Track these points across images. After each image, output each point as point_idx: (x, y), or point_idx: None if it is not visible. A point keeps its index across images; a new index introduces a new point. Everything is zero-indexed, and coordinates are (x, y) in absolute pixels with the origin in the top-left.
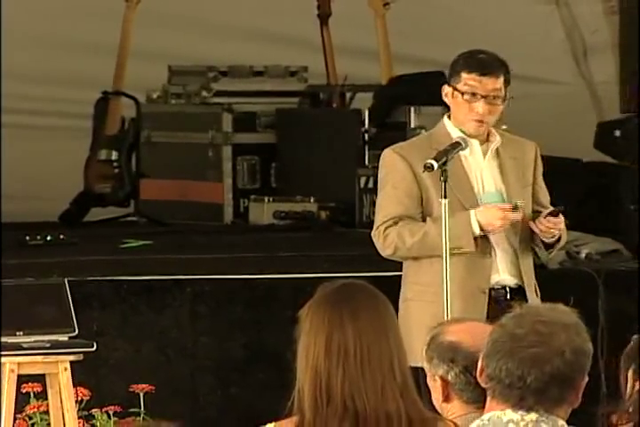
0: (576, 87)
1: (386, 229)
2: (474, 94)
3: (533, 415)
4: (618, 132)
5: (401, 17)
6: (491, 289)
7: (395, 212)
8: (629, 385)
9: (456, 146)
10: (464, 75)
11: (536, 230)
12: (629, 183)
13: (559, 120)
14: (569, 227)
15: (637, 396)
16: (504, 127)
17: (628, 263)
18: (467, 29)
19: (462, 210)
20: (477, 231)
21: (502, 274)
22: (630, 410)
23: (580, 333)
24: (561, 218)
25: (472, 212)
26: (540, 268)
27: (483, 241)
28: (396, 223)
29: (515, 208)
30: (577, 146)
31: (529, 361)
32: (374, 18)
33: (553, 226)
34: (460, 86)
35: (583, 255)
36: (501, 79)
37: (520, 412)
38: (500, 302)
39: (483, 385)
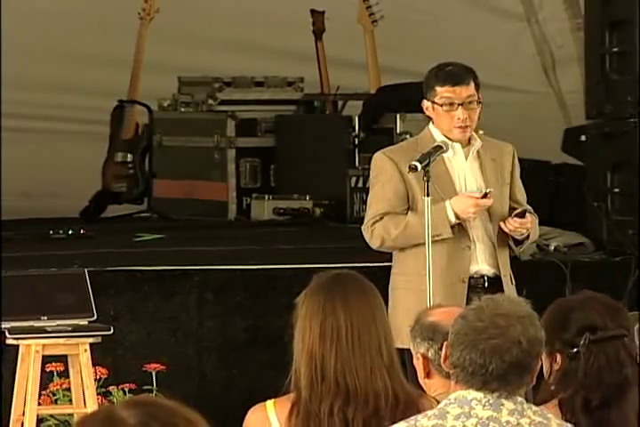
0: (546, 96)
1: (373, 223)
2: (451, 104)
3: (495, 394)
4: (583, 137)
5: (388, 33)
6: (470, 278)
7: (382, 208)
8: (546, 365)
9: (438, 149)
10: (438, 88)
11: (506, 230)
12: (593, 183)
13: (530, 126)
14: (539, 222)
15: (557, 375)
16: (481, 132)
17: (591, 255)
18: (447, 45)
19: (444, 200)
20: (453, 219)
21: (481, 264)
22: (552, 388)
23: (533, 323)
24: (527, 218)
25: (447, 202)
26: (513, 259)
27: (463, 235)
28: (382, 218)
29: (484, 196)
30: (546, 149)
31: (490, 351)
32: (364, 33)
33: (520, 225)
34: (437, 100)
35: (552, 248)
36: (472, 85)
37: (482, 391)
38: (478, 290)
39: (447, 370)
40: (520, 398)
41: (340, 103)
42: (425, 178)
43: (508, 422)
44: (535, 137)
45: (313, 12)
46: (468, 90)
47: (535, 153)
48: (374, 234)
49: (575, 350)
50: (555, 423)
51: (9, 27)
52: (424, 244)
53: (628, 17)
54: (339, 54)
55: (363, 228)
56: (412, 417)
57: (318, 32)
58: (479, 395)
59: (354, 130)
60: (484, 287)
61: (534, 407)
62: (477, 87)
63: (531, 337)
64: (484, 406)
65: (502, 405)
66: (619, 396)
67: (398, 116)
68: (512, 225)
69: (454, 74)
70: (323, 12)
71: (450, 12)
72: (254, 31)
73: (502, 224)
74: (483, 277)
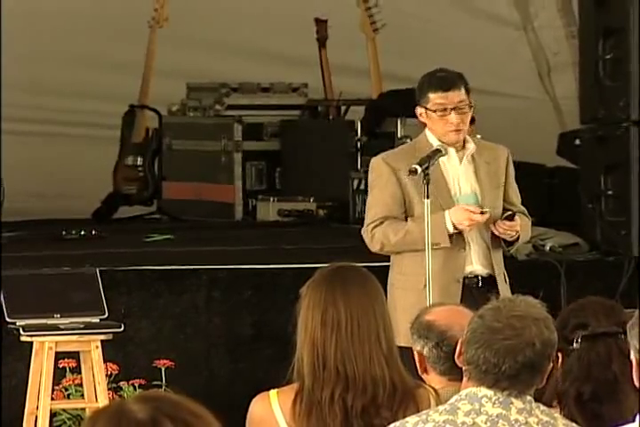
0: (541, 102)
1: (373, 228)
2: (444, 109)
3: (505, 392)
4: (577, 141)
5: (389, 40)
6: (465, 278)
7: (381, 212)
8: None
9: (437, 152)
10: (431, 95)
11: (496, 233)
12: (587, 185)
13: (526, 130)
14: (535, 223)
15: (559, 372)
16: (478, 136)
17: (586, 255)
18: (447, 51)
19: (440, 210)
20: (451, 229)
21: (475, 265)
22: (559, 386)
23: (548, 326)
24: (516, 221)
25: (446, 212)
26: (510, 258)
27: (458, 237)
28: (381, 223)
29: (482, 213)
30: (542, 153)
31: (504, 351)
32: (366, 41)
33: (509, 228)
34: (430, 106)
35: (547, 248)
36: (463, 90)
37: (493, 389)
38: (472, 289)
39: (460, 365)
40: (529, 398)
41: (343, 108)
42: (424, 181)
43: (516, 420)
44: (531, 141)
45: (317, 20)
46: (459, 95)
47: (531, 156)
48: (374, 239)
49: (572, 347)
50: (561, 423)
51: (23, 32)
52: (421, 249)
53: (621, 25)
54: (342, 61)
55: (362, 231)
56: (424, 411)
57: (322, 40)
58: (489, 392)
59: (356, 134)
60: (478, 287)
61: (542, 407)
62: (468, 92)
63: (544, 339)
64: (494, 403)
65: (512, 403)
66: (610, 392)
67: (399, 120)
68: (501, 228)
69: (445, 80)
70: (326, 21)
71: (449, 20)
72: (261, 39)
73: (492, 227)
74: (477, 276)
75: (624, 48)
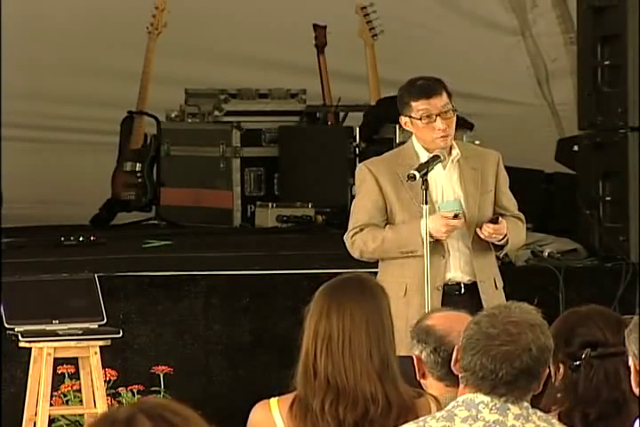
0: (539, 108)
1: (354, 235)
2: (429, 116)
3: (502, 399)
4: (576, 147)
5: (387, 47)
6: (445, 285)
7: (362, 219)
8: (552, 373)
9: (435, 158)
10: (413, 103)
11: (482, 236)
12: (585, 191)
13: (525, 136)
14: (533, 229)
15: (559, 385)
16: (477, 142)
17: (584, 261)
18: (445, 58)
19: (422, 217)
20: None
21: (455, 272)
22: (558, 396)
23: (544, 331)
24: (502, 224)
25: (422, 221)
26: (508, 264)
27: (437, 245)
28: (361, 230)
29: (455, 216)
30: (540, 159)
31: (500, 358)
32: (364, 47)
33: (493, 231)
34: (414, 114)
35: (546, 254)
36: (444, 95)
37: (490, 395)
38: (453, 296)
39: (456, 373)
40: (526, 404)
41: (341, 114)
42: (423, 186)
43: (513, 426)
44: (529, 147)
45: (315, 26)
46: (441, 100)
47: (529, 162)
48: (354, 246)
49: (577, 363)
50: None
51: (22, 39)
52: (400, 257)
53: (620, 31)
54: (340, 67)
55: (344, 238)
56: (422, 418)
57: (320, 46)
58: (486, 399)
59: (354, 140)
60: (460, 294)
61: (539, 413)
62: (449, 96)
63: (541, 345)
64: (491, 409)
65: (508, 409)
66: (617, 411)
67: (397, 126)
68: (486, 231)
69: (426, 86)
70: (325, 27)
71: (447, 26)
72: (259, 45)
73: (478, 231)
74: (458, 284)
75: (622, 54)
